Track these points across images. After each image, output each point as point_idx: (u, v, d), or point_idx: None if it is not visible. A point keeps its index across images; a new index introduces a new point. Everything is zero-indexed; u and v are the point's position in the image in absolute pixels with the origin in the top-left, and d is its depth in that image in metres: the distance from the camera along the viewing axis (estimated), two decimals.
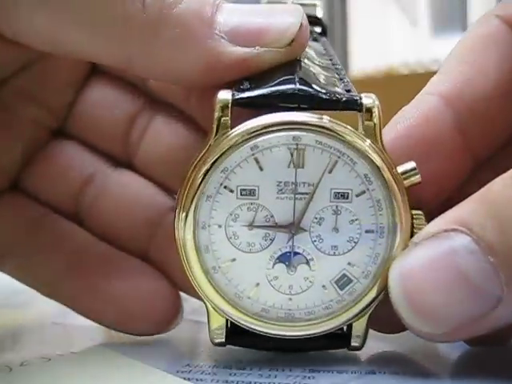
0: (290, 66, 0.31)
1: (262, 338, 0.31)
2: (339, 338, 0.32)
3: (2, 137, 0.36)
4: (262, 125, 0.30)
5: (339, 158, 0.30)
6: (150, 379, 0.31)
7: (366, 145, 0.30)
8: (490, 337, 0.29)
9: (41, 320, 0.40)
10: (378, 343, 0.32)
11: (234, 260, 0.31)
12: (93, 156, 0.38)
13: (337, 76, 0.33)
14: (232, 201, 0.30)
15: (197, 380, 0.30)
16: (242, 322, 0.31)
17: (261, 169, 0.30)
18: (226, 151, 0.30)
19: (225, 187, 0.30)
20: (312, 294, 0.31)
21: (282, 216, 0.30)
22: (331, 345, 0.32)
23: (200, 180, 0.30)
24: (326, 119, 0.30)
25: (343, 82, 0.32)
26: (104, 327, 0.37)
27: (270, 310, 0.31)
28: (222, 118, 0.30)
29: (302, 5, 0.33)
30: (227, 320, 0.31)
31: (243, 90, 0.30)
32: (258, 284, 0.31)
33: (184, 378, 0.30)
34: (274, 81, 0.30)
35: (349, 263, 0.31)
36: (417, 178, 0.31)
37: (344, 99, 0.30)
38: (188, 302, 0.37)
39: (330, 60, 0.35)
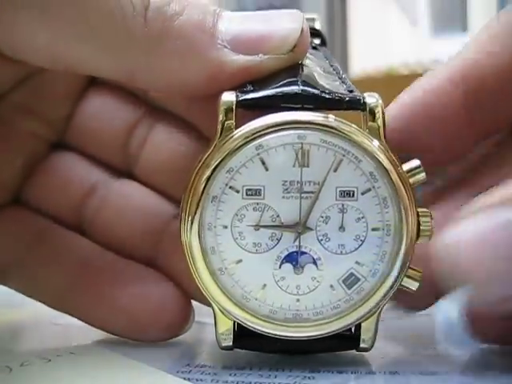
0: (293, 69, 0.31)
1: (269, 341, 0.31)
2: (347, 339, 0.32)
3: (1, 150, 0.36)
4: (267, 124, 0.30)
5: (344, 156, 0.30)
6: (149, 379, 0.31)
7: (372, 144, 0.30)
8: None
9: (41, 320, 0.40)
10: (378, 343, 0.31)
11: (240, 261, 0.31)
12: (94, 167, 0.38)
13: (338, 79, 0.33)
14: (238, 201, 0.30)
15: (197, 380, 0.30)
16: (250, 324, 0.31)
17: (266, 168, 0.30)
18: (230, 151, 0.30)
19: (230, 187, 0.30)
20: (320, 293, 0.31)
21: (288, 215, 0.30)
22: (339, 346, 0.32)
23: (205, 181, 0.30)
24: (331, 118, 0.30)
25: (345, 84, 0.32)
26: None
27: (278, 311, 0.31)
28: (226, 122, 0.30)
29: None
30: (234, 323, 0.31)
31: (247, 92, 0.31)
32: (265, 285, 0.31)
33: (184, 378, 0.30)
34: (278, 83, 0.30)
35: (356, 262, 0.30)
36: (422, 176, 0.31)
37: (347, 99, 0.30)
38: None
39: (331, 66, 0.35)
